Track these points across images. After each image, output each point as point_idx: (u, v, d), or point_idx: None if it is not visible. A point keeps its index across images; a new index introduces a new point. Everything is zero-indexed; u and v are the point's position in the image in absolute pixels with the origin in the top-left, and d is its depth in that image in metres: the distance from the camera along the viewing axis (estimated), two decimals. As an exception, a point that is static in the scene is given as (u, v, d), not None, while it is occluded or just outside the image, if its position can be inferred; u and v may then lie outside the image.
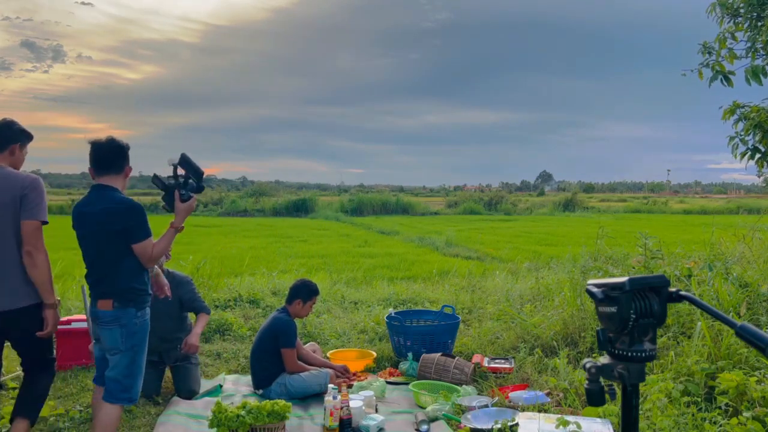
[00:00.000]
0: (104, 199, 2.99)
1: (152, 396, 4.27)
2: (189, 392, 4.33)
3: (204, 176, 3.20)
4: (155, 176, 3.17)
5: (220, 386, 4.50)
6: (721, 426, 3.04)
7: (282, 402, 3.56)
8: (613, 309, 1.30)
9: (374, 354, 5.15)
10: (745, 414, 3.02)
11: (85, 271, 3.12)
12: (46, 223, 3.14)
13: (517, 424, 3.35)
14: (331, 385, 3.88)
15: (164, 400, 4.22)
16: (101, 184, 3.05)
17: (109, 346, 3.03)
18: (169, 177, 3.15)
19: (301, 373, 4.35)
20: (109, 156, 3.06)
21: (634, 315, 1.29)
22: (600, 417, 3.35)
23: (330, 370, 4.47)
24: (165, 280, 3.74)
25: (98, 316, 3.01)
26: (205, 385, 4.52)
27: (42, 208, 3.13)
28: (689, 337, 4.19)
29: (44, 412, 3.86)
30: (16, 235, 3.12)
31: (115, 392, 3.03)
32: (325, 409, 3.72)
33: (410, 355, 4.87)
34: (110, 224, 2.95)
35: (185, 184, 3.15)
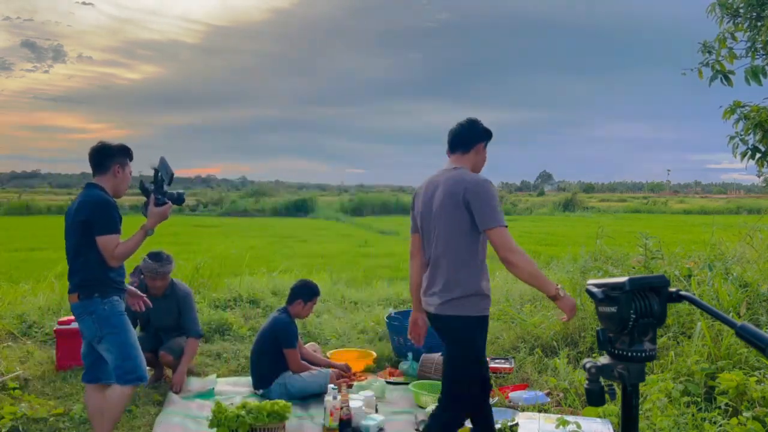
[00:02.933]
0: (84, 195, 3.16)
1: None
2: (172, 351, 4.44)
3: (173, 178, 3.23)
4: (141, 182, 3.24)
5: (213, 389, 4.44)
6: (721, 426, 3.04)
7: (282, 402, 3.56)
8: (613, 309, 1.30)
9: (374, 354, 5.14)
10: (745, 414, 3.02)
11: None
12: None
13: (517, 424, 3.35)
14: (331, 385, 3.88)
15: (163, 398, 4.21)
16: (89, 182, 3.23)
17: (90, 336, 3.13)
18: (150, 182, 3.22)
19: (301, 373, 4.35)
20: (95, 157, 3.23)
21: (634, 315, 1.29)
22: (600, 417, 3.35)
23: (330, 370, 4.47)
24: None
25: (72, 310, 3.15)
26: (196, 383, 4.55)
27: None
28: (689, 337, 4.19)
29: (44, 412, 3.87)
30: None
31: (123, 376, 3.12)
32: (325, 409, 3.72)
33: (410, 355, 4.87)
34: (78, 215, 3.07)
35: (163, 190, 3.20)
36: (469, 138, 2.90)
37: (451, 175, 2.78)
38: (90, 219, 3.03)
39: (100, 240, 3.02)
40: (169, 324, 4.59)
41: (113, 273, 3.12)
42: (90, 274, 3.07)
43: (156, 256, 4.47)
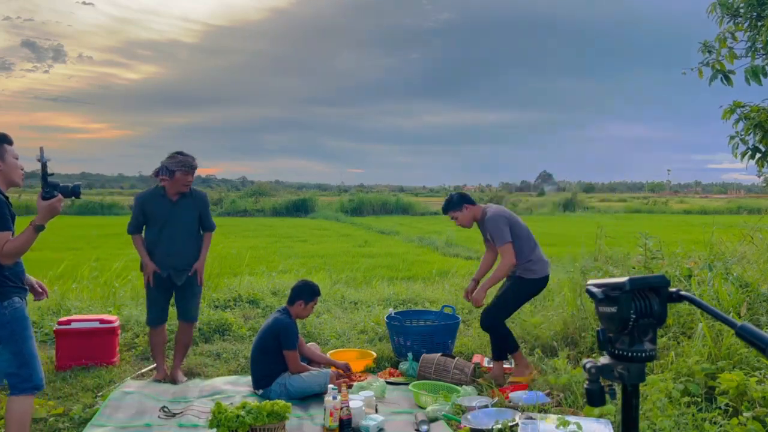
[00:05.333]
0: None
1: (159, 324, 4.64)
2: (191, 317, 4.71)
3: (47, 173, 3.00)
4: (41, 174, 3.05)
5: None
6: (721, 426, 3.03)
7: (282, 402, 3.55)
8: (613, 309, 1.30)
9: (374, 354, 5.14)
10: (745, 414, 3.02)
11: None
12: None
13: (517, 424, 3.35)
14: (331, 386, 3.88)
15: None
16: None
17: None
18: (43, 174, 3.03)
19: (301, 373, 4.35)
20: None
21: (634, 315, 1.28)
22: (600, 417, 3.35)
23: (329, 370, 4.47)
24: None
25: None
26: (196, 384, 4.54)
27: None
28: (689, 337, 4.19)
29: (43, 412, 3.87)
30: None
31: (18, 384, 3.01)
32: (325, 410, 3.72)
33: (410, 355, 4.87)
34: None
35: (48, 183, 3.01)
36: None
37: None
38: None
39: None
40: (188, 221, 4.57)
41: (9, 271, 2.98)
42: None
43: (182, 153, 4.44)
